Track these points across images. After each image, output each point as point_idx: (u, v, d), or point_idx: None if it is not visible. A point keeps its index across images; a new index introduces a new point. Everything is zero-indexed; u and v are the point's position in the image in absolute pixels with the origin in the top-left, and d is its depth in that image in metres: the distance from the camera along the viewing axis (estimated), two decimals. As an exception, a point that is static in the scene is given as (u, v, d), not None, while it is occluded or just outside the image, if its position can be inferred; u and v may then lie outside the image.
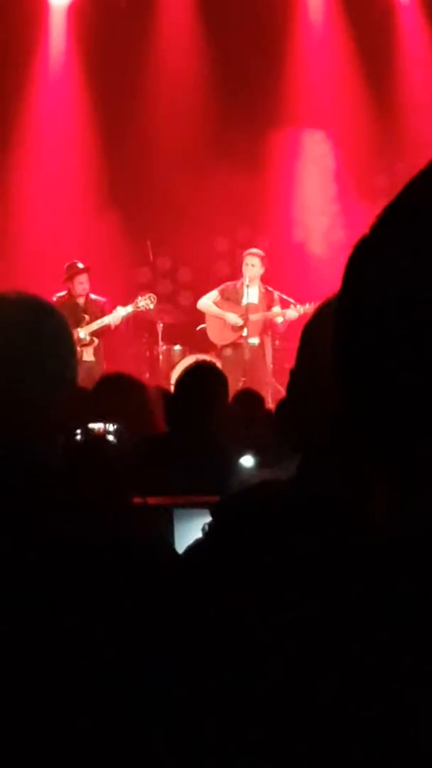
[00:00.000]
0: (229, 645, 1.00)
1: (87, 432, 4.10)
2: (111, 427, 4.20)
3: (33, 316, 1.57)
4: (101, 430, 4.16)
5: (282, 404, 4.26)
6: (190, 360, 9.38)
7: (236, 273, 10.32)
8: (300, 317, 9.57)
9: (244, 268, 10.02)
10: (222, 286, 10.22)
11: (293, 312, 9.81)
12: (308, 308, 9.47)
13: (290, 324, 9.71)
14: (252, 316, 9.92)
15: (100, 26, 11.09)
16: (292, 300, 9.90)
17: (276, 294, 10.01)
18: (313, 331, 1.55)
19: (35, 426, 1.53)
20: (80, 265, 9.93)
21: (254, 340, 10.02)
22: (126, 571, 1.42)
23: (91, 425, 4.25)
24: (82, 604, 1.38)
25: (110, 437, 4.07)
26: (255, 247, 10.30)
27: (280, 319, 9.88)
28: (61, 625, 1.37)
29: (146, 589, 1.40)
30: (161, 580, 1.42)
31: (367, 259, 0.81)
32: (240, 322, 9.97)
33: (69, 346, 1.62)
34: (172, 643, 1.27)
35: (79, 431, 4.05)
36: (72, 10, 11.26)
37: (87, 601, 1.39)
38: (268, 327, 10.09)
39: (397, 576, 0.83)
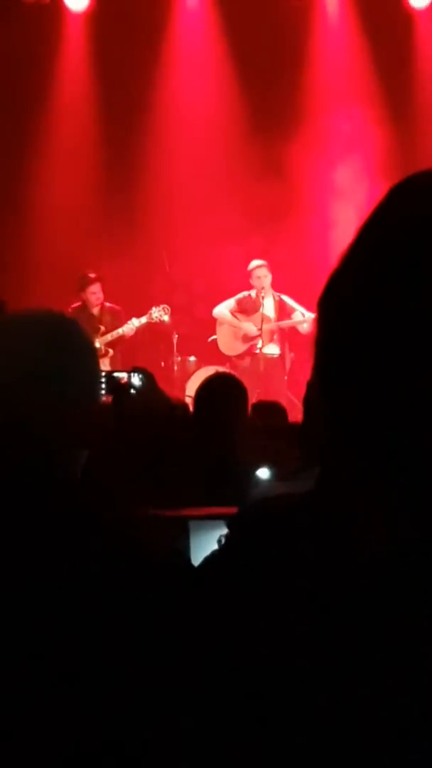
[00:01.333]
0: (240, 657, 1.00)
1: (111, 380, 4.14)
2: (135, 376, 4.25)
3: (57, 332, 1.58)
4: (125, 379, 4.21)
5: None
6: (205, 371, 9.38)
7: (251, 284, 10.33)
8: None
9: (255, 282, 10.02)
10: (238, 296, 10.22)
11: (304, 321, 9.78)
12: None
13: (305, 336, 9.70)
14: (266, 325, 9.91)
15: (118, 33, 11.11)
16: (302, 309, 9.88)
17: (289, 302, 10.01)
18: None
19: (59, 441, 1.53)
20: (92, 275, 9.92)
21: (274, 350, 10.00)
22: (141, 583, 1.42)
23: (116, 374, 4.29)
24: (97, 615, 1.39)
25: (135, 380, 4.12)
26: (269, 257, 10.31)
27: (305, 326, 9.84)
28: (76, 636, 1.37)
29: (160, 601, 1.40)
30: (175, 591, 1.42)
31: (346, 273, 0.83)
32: (254, 330, 9.97)
33: (93, 360, 1.63)
34: (185, 654, 1.27)
35: (103, 380, 4.09)
36: (89, 17, 11.29)
37: (102, 612, 1.39)
38: (285, 337, 10.08)
39: (397, 588, 0.83)
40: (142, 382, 4.21)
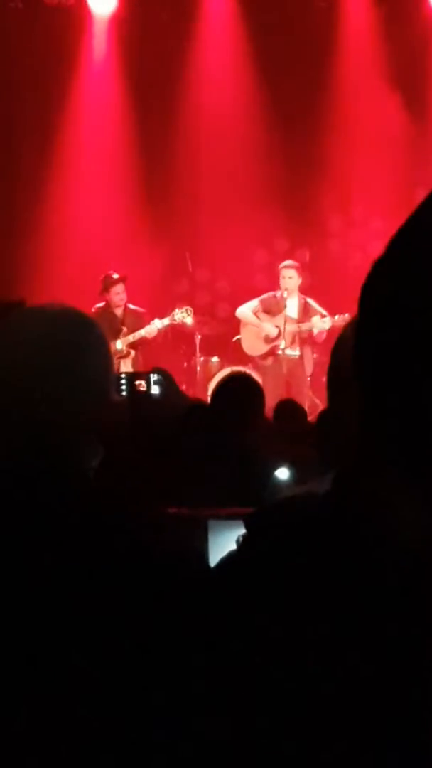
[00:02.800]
0: (256, 658, 0.99)
1: (130, 384, 4.14)
2: (154, 381, 4.24)
3: (71, 328, 1.58)
4: (143, 384, 4.20)
5: (322, 417, 4.25)
6: (227, 371, 9.38)
7: (274, 285, 10.32)
8: (333, 328, 9.56)
9: (282, 281, 10.01)
10: (263, 297, 10.22)
11: (322, 323, 9.78)
12: (338, 320, 9.48)
13: (330, 335, 9.68)
14: (287, 326, 9.91)
15: (142, 37, 11.13)
16: (325, 312, 9.88)
17: (314, 305, 10.00)
18: (343, 344, 1.55)
19: (71, 436, 1.53)
20: (115, 276, 9.94)
21: (294, 352, 10.00)
22: (157, 582, 1.42)
23: (135, 375, 4.28)
24: (112, 615, 1.38)
25: (154, 389, 4.12)
26: (293, 258, 10.30)
27: (316, 330, 9.86)
28: (91, 635, 1.37)
29: (176, 600, 1.40)
30: (191, 591, 1.41)
31: (382, 277, 0.83)
32: (275, 332, 9.97)
33: (106, 358, 1.62)
34: (199, 654, 1.26)
35: (123, 383, 4.09)
36: (114, 21, 11.31)
37: (118, 612, 1.39)
38: (307, 339, 10.07)
39: (423, 593, 0.82)
40: (162, 385, 4.21)
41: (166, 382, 4.36)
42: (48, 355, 1.54)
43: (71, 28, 11.24)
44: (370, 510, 1.00)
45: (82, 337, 1.59)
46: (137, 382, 4.26)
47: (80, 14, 11.27)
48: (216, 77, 11.24)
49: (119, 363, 9.50)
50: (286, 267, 10.07)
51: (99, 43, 11.41)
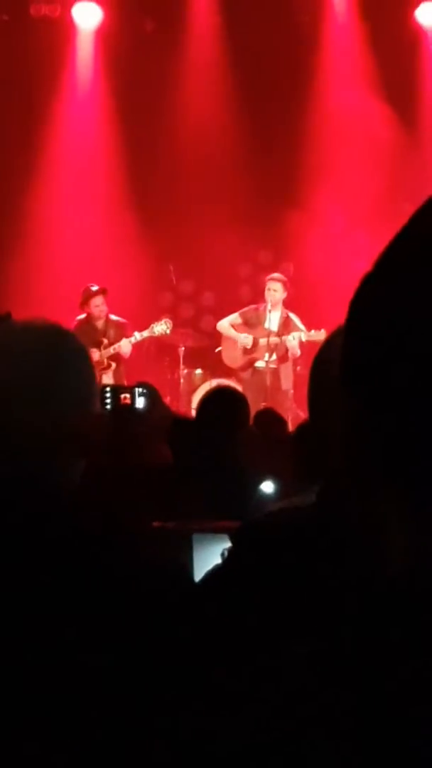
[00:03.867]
0: (241, 671, 0.99)
1: (114, 397, 4.12)
2: (138, 393, 4.23)
3: (52, 343, 1.58)
4: (127, 398, 4.19)
5: (301, 430, 4.26)
6: (211, 384, 9.38)
7: (258, 297, 10.34)
8: (309, 343, 9.60)
9: (267, 294, 10.03)
10: (244, 309, 10.25)
11: (295, 338, 9.80)
12: (313, 335, 9.52)
13: (306, 352, 9.69)
14: (263, 340, 9.93)
15: (127, 50, 11.15)
16: (303, 327, 9.90)
17: (295, 320, 10.02)
18: (323, 358, 1.56)
19: (53, 448, 1.53)
20: (94, 288, 9.91)
21: (272, 365, 10.02)
22: (142, 596, 1.42)
23: (119, 389, 4.27)
24: (96, 629, 1.38)
25: (139, 402, 4.10)
26: (278, 272, 10.32)
27: (289, 344, 9.87)
28: (75, 650, 1.37)
29: (161, 614, 1.40)
30: (177, 604, 1.41)
31: (371, 292, 0.83)
32: (249, 343, 10.00)
33: (88, 372, 1.63)
34: (185, 667, 1.26)
35: (108, 396, 4.07)
36: (99, 34, 11.34)
37: (101, 627, 1.38)
38: (286, 353, 10.08)
39: (412, 608, 0.82)
40: (146, 398, 4.20)
41: (151, 395, 4.35)
42: (29, 368, 1.54)
43: (57, 41, 11.26)
44: (356, 526, 1.00)
45: (64, 352, 1.59)
46: (122, 395, 4.25)
47: (66, 27, 11.29)
48: (200, 90, 11.26)
49: (101, 375, 9.48)
50: (272, 279, 10.09)
51: (84, 55, 11.44)
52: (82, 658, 1.37)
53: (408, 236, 0.84)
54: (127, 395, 4.20)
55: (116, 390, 4.34)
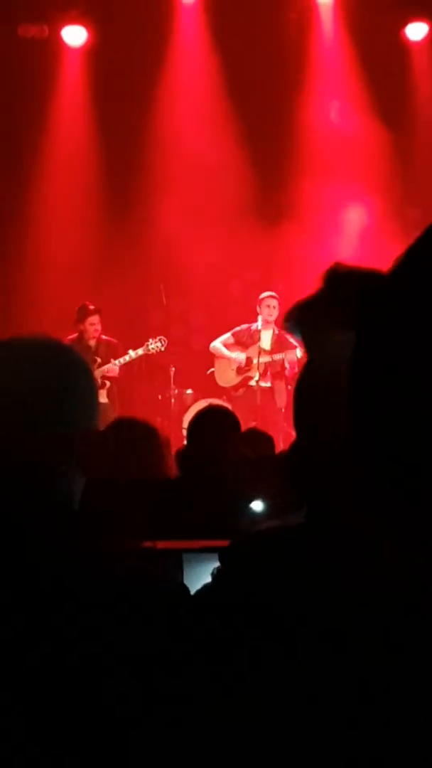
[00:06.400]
0: (231, 690, 1.00)
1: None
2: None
3: (56, 359, 1.58)
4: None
5: (293, 448, 4.24)
6: (202, 404, 9.38)
7: (249, 316, 10.36)
8: (302, 359, 9.61)
9: (265, 311, 10.07)
10: (236, 329, 10.27)
11: (292, 355, 9.84)
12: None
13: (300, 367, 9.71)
14: (259, 359, 9.95)
15: (115, 68, 11.16)
16: (297, 344, 9.93)
17: (288, 337, 10.04)
18: (307, 378, 1.56)
19: (53, 464, 1.53)
20: (91, 307, 9.96)
21: (266, 383, 10.04)
22: (136, 614, 1.42)
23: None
24: (90, 648, 1.38)
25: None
26: (268, 290, 10.35)
27: (287, 361, 9.91)
28: (70, 668, 1.37)
29: (154, 631, 1.40)
30: (169, 622, 1.42)
31: (382, 305, 0.82)
32: (243, 361, 10.03)
33: (89, 389, 1.63)
34: (177, 685, 1.26)
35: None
36: (87, 52, 11.35)
37: (96, 645, 1.38)
38: (280, 371, 10.10)
39: (403, 620, 0.83)
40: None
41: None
42: (31, 384, 1.54)
43: (46, 61, 11.29)
44: (348, 545, 1.00)
45: (66, 368, 1.60)
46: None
47: (55, 47, 11.32)
48: (188, 106, 11.29)
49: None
50: (269, 297, 10.13)
51: (72, 74, 11.47)
52: (77, 672, 1.37)
53: (419, 250, 0.83)
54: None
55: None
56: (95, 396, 1.66)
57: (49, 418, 1.53)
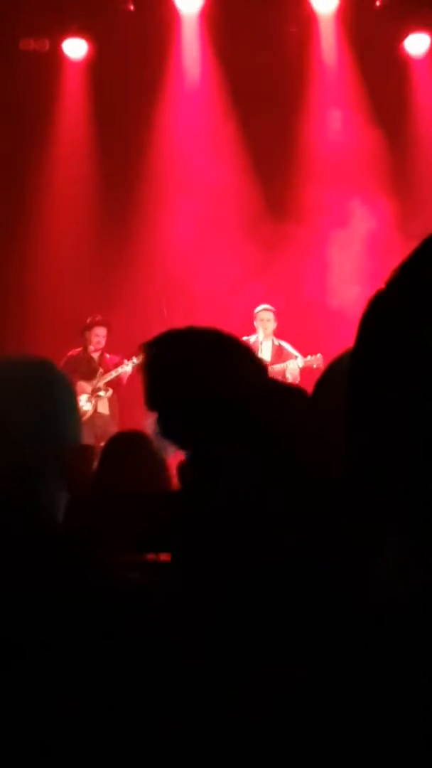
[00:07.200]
0: (230, 702, 1.00)
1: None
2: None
3: (38, 378, 1.61)
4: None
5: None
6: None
7: (250, 329, 10.36)
8: (305, 369, 9.63)
9: (258, 324, 10.07)
10: (236, 343, 10.27)
11: (294, 365, 9.84)
12: (310, 360, 9.56)
13: (302, 376, 9.72)
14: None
15: (116, 80, 11.17)
16: (297, 353, 9.94)
17: (288, 348, 10.05)
18: (323, 387, 1.56)
19: (36, 479, 1.54)
20: (99, 318, 10.01)
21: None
22: (135, 627, 1.41)
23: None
24: (78, 657, 1.38)
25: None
26: (269, 302, 10.35)
27: (288, 372, 9.90)
28: (62, 680, 1.37)
29: (148, 642, 1.39)
30: (161, 632, 1.41)
31: (382, 313, 0.82)
32: None
33: (72, 407, 1.66)
34: (172, 697, 1.26)
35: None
36: (88, 65, 11.38)
37: (85, 654, 1.38)
38: (284, 380, 10.09)
39: (404, 628, 0.82)
40: None
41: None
42: (14, 400, 1.56)
43: (47, 74, 11.31)
44: (353, 555, 1.00)
45: (45, 383, 1.62)
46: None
47: (56, 60, 11.35)
48: (189, 120, 11.31)
49: (97, 404, 9.52)
50: (263, 310, 10.14)
51: (75, 87, 11.49)
52: (68, 684, 1.36)
53: (422, 258, 0.83)
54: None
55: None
56: (75, 411, 1.69)
57: (31, 433, 1.55)
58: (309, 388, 1.79)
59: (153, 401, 2.15)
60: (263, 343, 10.07)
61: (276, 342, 10.11)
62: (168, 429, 2.12)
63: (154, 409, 2.13)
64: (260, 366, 2.44)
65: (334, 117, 11.29)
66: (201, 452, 1.78)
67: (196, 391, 2.09)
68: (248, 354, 2.36)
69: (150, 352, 2.17)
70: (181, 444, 2.10)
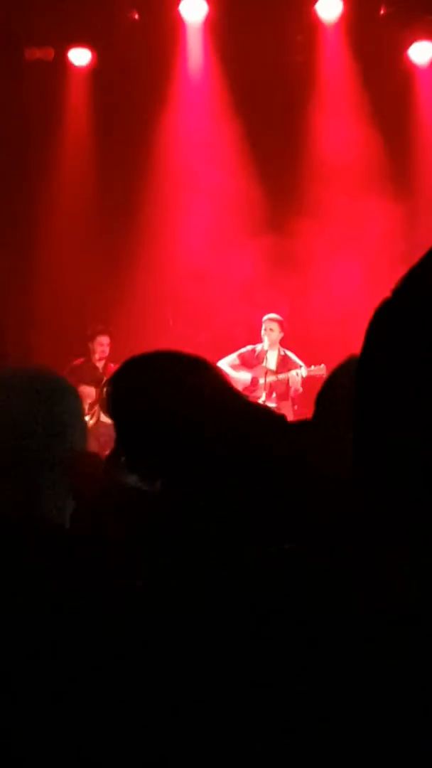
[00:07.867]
0: (231, 704, 0.98)
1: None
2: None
3: (43, 384, 1.62)
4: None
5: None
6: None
7: (255, 338, 10.36)
8: (309, 378, 9.66)
9: (264, 333, 10.09)
10: (241, 350, 10.28)
11: (297, 374, 9.84)
12: (314, 370, 9.58)
13: (306, 388, 9.73)
14: (262, 379, 9.97)
15: (121, 88, 11.20)
16: (302, 363, 9.96)
17: (293, 357, 10.07)
18: (327, 395, 1.55)
19: (44, 486, 1.55)
20: (101, 326, 10.02)
21: (271, 404, 10.03)
22: (133, 630, 1.41)
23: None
24: (88, 664, 1.37)
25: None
26: (274, 311, 10.36)
27: (291, 381, 9.92)
28: (68, 682, 1.36)
29: (152, 644, 1.38)
30: (168, 636, 1.40)
31: (390, 319, 0.81)
32: (249, 380, 10.04)
33: (79, 416, 1.68)
34: (175, 698, 1.25)
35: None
36: (92, 72, 11.40)
37: (93, 661, 1.38)
38: (286, 391, 10.10)
39: (411, 649, 0.81)
40: None
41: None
42: (23, 409, 1.56)
43: (52, 83, 11.34)
44: (360, 566, 0.99)
45: (54, 393, 1.63)
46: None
47: (61, 68, 11.37)
48: (193, 128, 11.34)
49: (99, 413, 9.53)
50: (269, 320, 10.15)
51: (80, 96, 11.52)
52: (74, 687, 1.36)
53: (429, 265, 0.82)
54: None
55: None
56: (80, 418, 1.71)
57: (39, 440, 1.56)
58: (311, 398, 1.78)
59: (120, 435, 2.12)
60: (269, 352, 10.08)
61: (282, 351, 10.13)
62: (134, 461, 2.09)
63: (121, 442, 2.10)
64: (226, 386, 2.43)
65: (339, 125, 11.29)
66: (169, 487, 1.79)
67: (158, 422, 2.07)
68: (213, 375, 2.36)
69: (111, 387, 2.15)
70: (148, 476, 2.07)
